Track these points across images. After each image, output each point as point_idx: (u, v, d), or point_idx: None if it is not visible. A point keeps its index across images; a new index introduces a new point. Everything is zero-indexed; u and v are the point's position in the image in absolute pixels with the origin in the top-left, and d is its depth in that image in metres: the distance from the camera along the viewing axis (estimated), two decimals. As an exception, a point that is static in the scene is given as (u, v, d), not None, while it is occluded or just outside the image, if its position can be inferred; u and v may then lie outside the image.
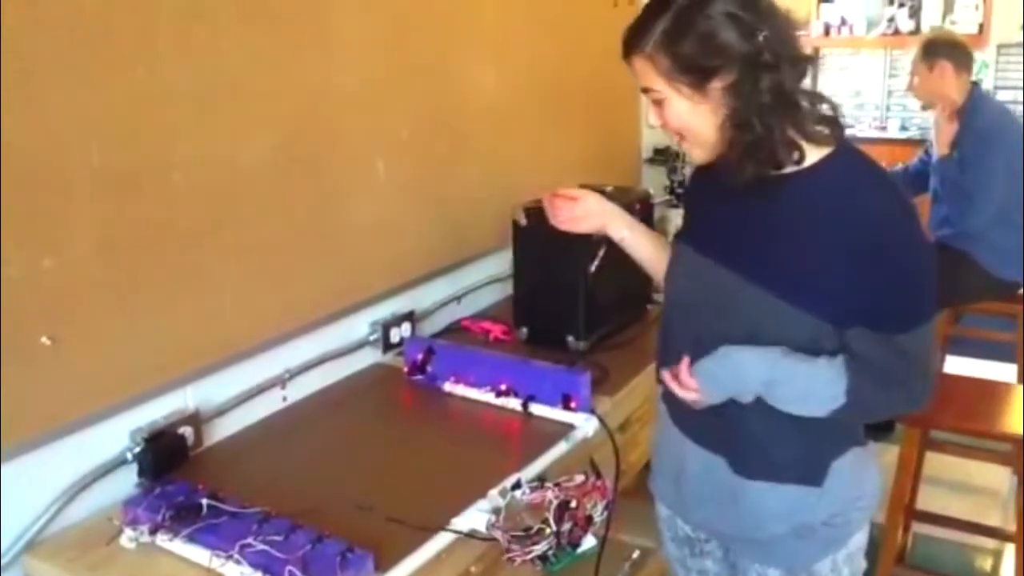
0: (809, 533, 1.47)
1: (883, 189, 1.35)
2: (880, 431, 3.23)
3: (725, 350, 1.39)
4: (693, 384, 1.41)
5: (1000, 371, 3.92)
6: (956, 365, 4.03)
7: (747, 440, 1.45)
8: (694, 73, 1.32)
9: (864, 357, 1.35)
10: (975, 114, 3.40)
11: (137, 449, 1.70)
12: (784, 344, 1.37)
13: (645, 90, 1.39)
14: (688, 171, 1.69)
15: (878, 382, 1.36)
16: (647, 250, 1.72)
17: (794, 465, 1.45)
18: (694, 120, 1.36)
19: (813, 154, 1.36)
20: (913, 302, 1.35)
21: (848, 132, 1.42)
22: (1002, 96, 5.59)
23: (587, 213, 1.73)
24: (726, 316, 1.42)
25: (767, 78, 1.29)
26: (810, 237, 1.34)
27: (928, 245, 1.37)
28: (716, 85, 1.31)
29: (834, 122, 1.37)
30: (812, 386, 1.37)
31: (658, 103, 1.38)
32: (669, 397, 1.57)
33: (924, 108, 3.80)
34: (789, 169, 1.35)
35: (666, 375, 1.46)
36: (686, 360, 1.42)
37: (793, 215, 1.36)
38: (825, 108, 1.37)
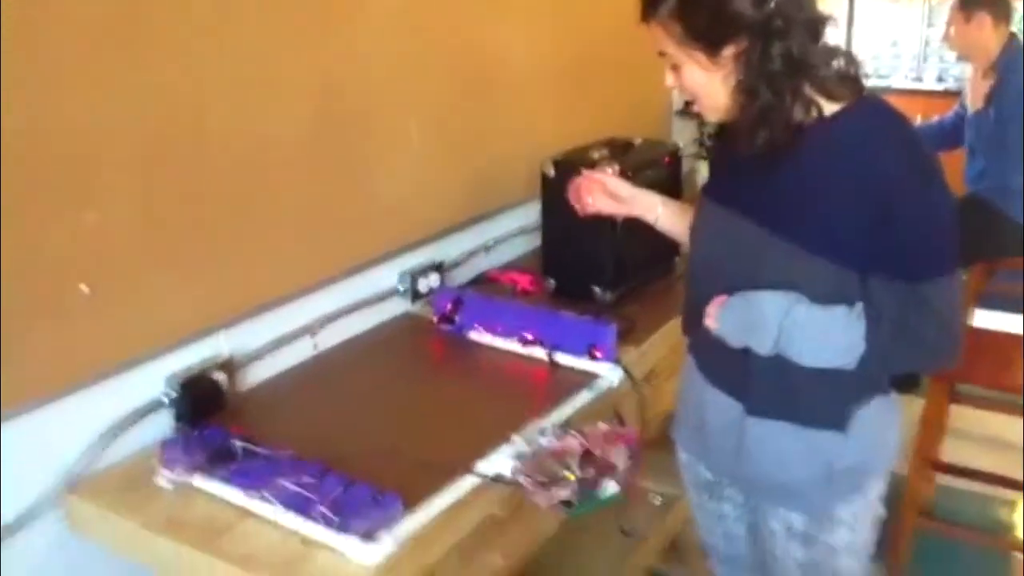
0: (832, 478, 1.50)
1: (893, 146, 1.35)
2: (906, 384, 3.23)
3: (745, 292, 1.42)
4: (713, 311, 1.45)
5: (1031, 326, 3.89)
6: (989, 320, 4.00)
7: (771, 385, 1.47)
8: (706, 41, 1.34)
9: (884, 307, 1.36)
10: (1012, 69, 3.33)
11: (173, 394, 1.75)
12: (809, 295, 1.38)
13: (661, 53, 1.41)
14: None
15: (898, 332, 1.37)
16: (682, 224, 1.72)
17: (818, 409, 1.47)
18: (707, 86, 1.38)
19: (831, 107, 1.37)
20: (929, 254, 1.36)
21: (883, 83, 1.46)
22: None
23: (617, 192, 1.76)
24: (750, 268, 1.43)
25: (778, 45, 1.31)
26: (827, 188, 1.36)
27: (944, 202, 1.37)
28: (727, 53, 1.33)
29: (852, 78, 1.38)
30: (829, 331, 1.38)
31: (674, 67, 1.41)
32: (696, 346, 1.61)
33: (959, 60, 3.74)
34: (808, 121, 1.38)
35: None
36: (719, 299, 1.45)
37: (811, 166, 1.38)
38: (842, 62, 1.38)
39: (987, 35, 3.36)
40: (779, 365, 1.43)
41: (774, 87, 1.33)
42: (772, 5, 1.29)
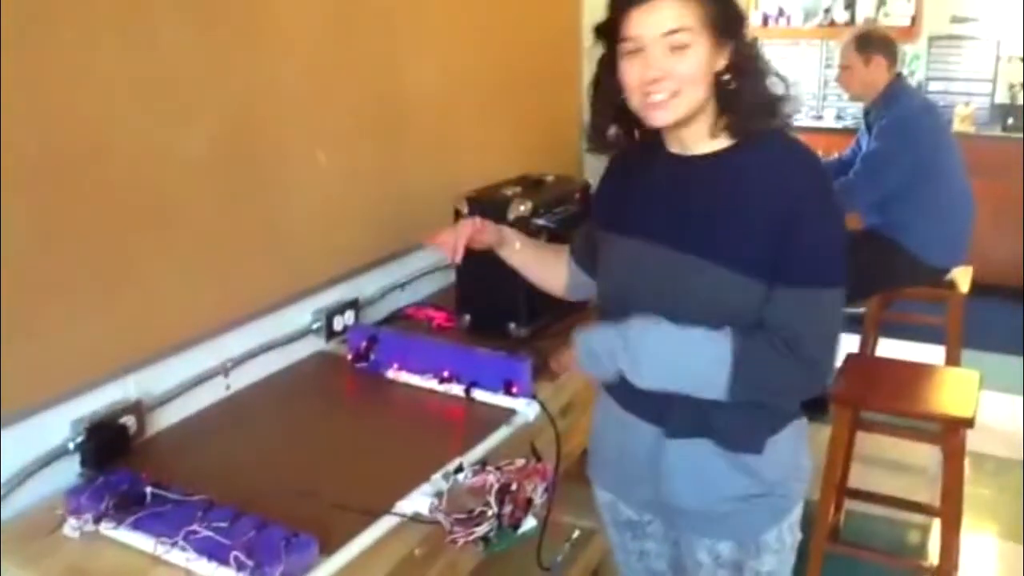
0: (755, 501, 1.53)
1: (803, 170, 1.46)
2: (814, 411, 3.32)
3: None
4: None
5: (930, 353, 4.05)
6: (888, 348, 4.15)
7: (689, 407, 1.48)
8: (721, 29, 1.40)
9: (771, 325, 1.41)
10: (891, 104, 3.50)
11: (79, 439, 1.70)
12: (734, 310, 1.42)
13: (670, 32, 1.38)
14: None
15: (773, 347, 1.40)
16: (535, 263, 1.83)
17: (734, 433, 1.50)
18: (702, 72, 1.41)
19: (726, 140, 1.48)
20: (829, 261, 1.43)
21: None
22: (933, 87, 5.75)
23: (475, 232, 1.76)
24: (669, 296, 1.47)
25: (755, 46, 1.46)
26: (741, 208, 1.43)
27: (841, 220, 1.48)
28: (728, 45, 1.41)
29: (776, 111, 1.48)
30: (690, 342, 1.43)
31: (679, 48, 1.38)
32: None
33: (852, 99, 3.90)
34: (714, 148, 1.47)
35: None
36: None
37: (728, 190, 1.45)
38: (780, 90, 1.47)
39: (881, 76, 3.53)
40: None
41: (758, 85, 1.44)
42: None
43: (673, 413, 1.51)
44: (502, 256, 1.83)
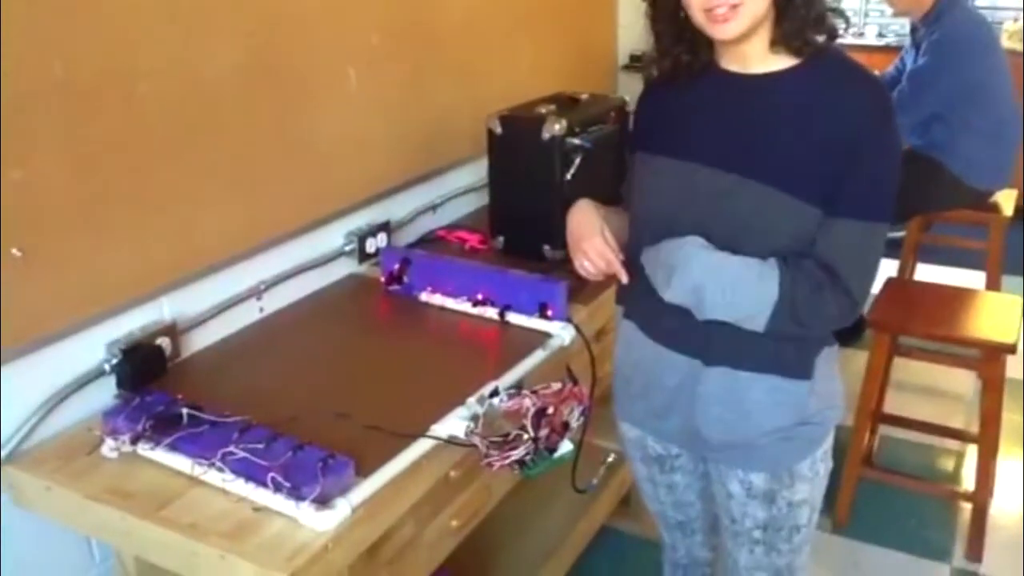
0: (793, 432, 1.50)
1: (864, 92, 1.40)
2: (849, 336, 3.29)
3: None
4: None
5: (970, 278, 3.98)
6: (926, 272, 4.08)
7: (733, 334, 1.43)
8: None
9: (807, 259, 1.38)
10: (939, 20, 3.36)
11: (114, 361, 1.70)
12: (779, 237, 1.39)
13: None
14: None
15: (813, 287, 1.37)
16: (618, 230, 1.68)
17: (784, 356, 1.47)
18: None
19: (791, 60, 1.40)
20: (881, 197, 1.39)
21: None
22: (981, 2, 5.54)
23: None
24: (719, 218, 1.42)
25: None
26: (797, 130, 1.38)
27: (899, 149, 1.42)
28: None
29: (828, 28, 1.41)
30: (745, 276, 1.38)
31: None
32: (642, 310, 1.58)
33: (897, 15, 3.75)
34: (774, 68, 1.40)
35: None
36: None
37: (780, 111, 1.40)
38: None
39: (925, -6, 3.38)
40: None
41: None
42: None
43: (716, 340, 1.46)
44: None
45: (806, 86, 1.40)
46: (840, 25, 1.42)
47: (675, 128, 1.51)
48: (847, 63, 1.43)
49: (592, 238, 1.55)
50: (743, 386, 1.48)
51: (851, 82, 1.41)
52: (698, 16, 1.37)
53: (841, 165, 1.35)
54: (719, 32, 1.37)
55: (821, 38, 1.39)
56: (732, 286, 1.39)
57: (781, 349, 1.45)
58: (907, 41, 3.67)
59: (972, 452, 2.94)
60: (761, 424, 1.50)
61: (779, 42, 1.39)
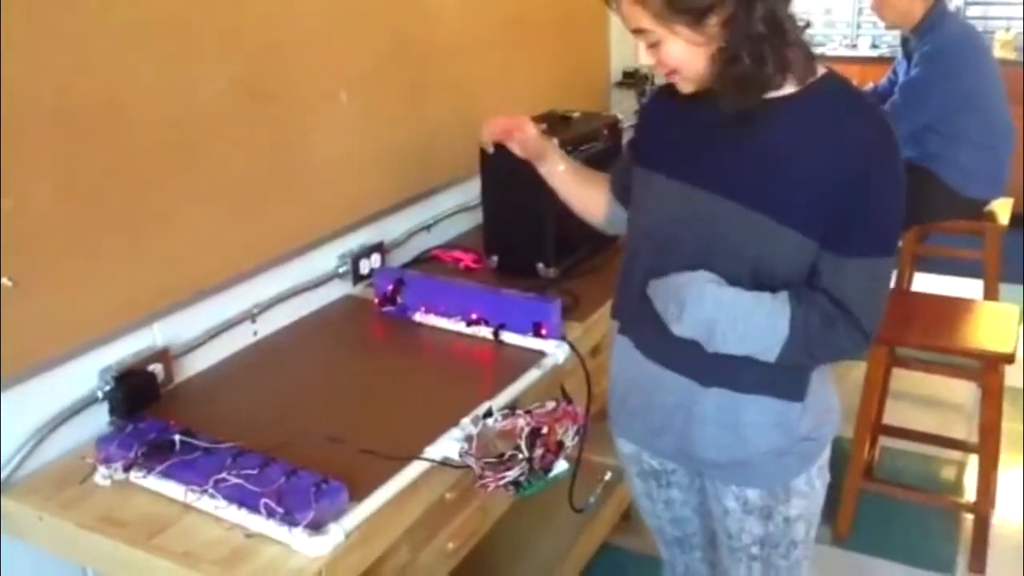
0: (788, 450, 1.50)
1: (870, 121, 1.37)
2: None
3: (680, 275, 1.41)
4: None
5: (968, 288, 3.97)
6: (923, 282, 4.08)
7: (726, 358, 1.42)
8: (691, 13, 1.29)
9: (818, 292, 1.37)
10: (931, 31, 3.37)
11: (107, 388, 1.70)
12: (776, 266, 1.37)
13: (636, 31, 1.35)
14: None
15: (824, 321, 1.36)
16: (577, 187, 1.78)
17: (778, 379, 1.46)
18: (690, 58, 1.34)
19: (793, 81, 1.37)
20: (886, 230, 1.37)
21: (818, 51, 1.42)
22: (972, 12, 5.57)
23: (530, 136, 1.76)
24: (713, 243, 1.41)
25: (760, 7, 1.29)
26: (798, 161, 1.36)
27: (903, 181, 1.37)
28: (712, 21, 1.30)
29: (809, 51, 1.38)
30: (757, 312, 1.37)
31: (651, 45, 1.35)
32: (638, 327, 1.57)
33: (888, 28, 3.76)
34: (774, 94, 1.37)
35: None
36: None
37: (780, 140, 1.37)
38: (806, 36, 1.37)
39: (916, 4, 3.38)
40: None
41: (757, 52, 1.30)
42: None
43: (712, 362, 1.44)
44: (542, 173, 1.79)
45: (805, 116, 1.36)
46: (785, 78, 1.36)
47: (676, 147, 1.50)
48: (849, 94, 1.40)
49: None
50: (739, 407, 1.47)
51: (854, 116, 1.37)
52: None
53: (844, 200, 1.33)
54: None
55: (789, 78, 1.36)
56: (744, 322, 1.37)
57: (775, 371, 1.44)
58: (899, 53, 3.68)
59: (973, 462, 2.92)
60: (757, 445, 1.49)
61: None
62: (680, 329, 1.41)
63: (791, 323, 1.36)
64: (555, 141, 1.82)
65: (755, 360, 1.41)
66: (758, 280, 1.38)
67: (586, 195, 1.77)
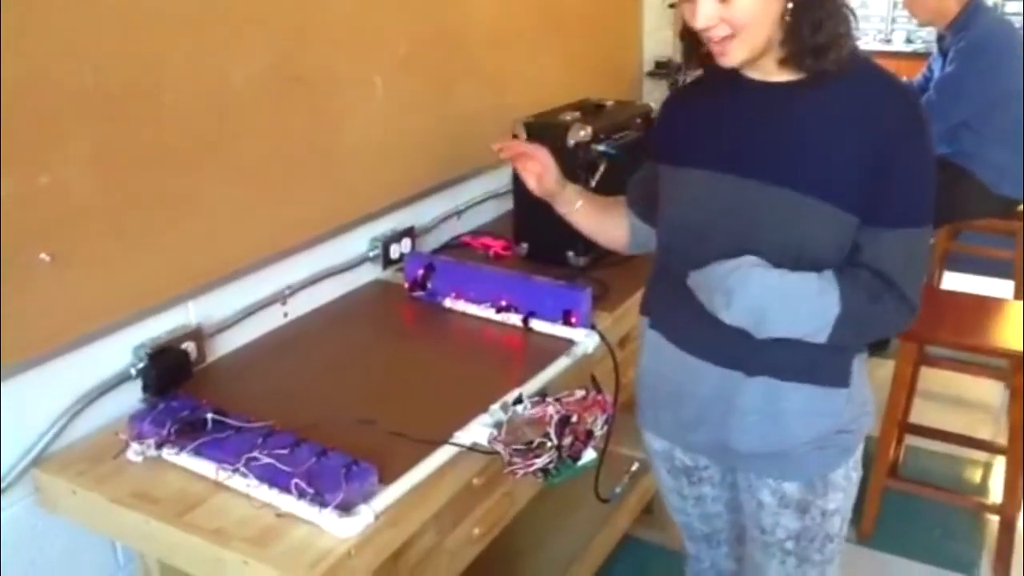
0: (828, 441, 1.49)
1: (899, 102, 1.38)
2: (876, 346, 3.26)
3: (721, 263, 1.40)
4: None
5: (998, 287, 3.94)
6: (954, 281, 4.05)
7: (773, 343, 1.41)
8: None
9: (862, 268, 1.37)
10: (967, 27, 3.32)
11: (141, 365, 1.71)
12: (816, 245, 1.37)
13: None
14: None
15: (871, 297, 1.37)
16: (596, 219, 1.75)
17: (825, 365, 1.46)
18: (760, 15, 1.31)
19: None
20: (920, 200, 1.38)
21: None
22: (1011, 7, 5.48)
23: (546, 167, 1.73)
24: (750, 229, 1.40)
25: None
26: (829, 137, 1.36)
27: (933, 155, 1.39)
28: None
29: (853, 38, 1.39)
30: (805, 294, 1.36)
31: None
32: (672, 321, 1.57)
33: (921, 25, 3.71)
34: (796, 76, 1.38)
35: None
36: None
37: (812, 121, 1.38)
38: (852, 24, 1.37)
39: (950, 0, 3.34)
40: None
41: (820, 23, 1.31)
42: None
43: (758, 351, 1.44)
44: (561, 213, 1.76)
45: (835, 96, 1.37)
46: (849, 53, 1.37)
47: (703, 139, 1.49)
48: (879, 73, 1.40)
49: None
50: (783, 396, 1.46)
51: (885, 93, 1.38)
52: (705, 42, 1.38)
53: (878, 175, 1.34)
54: (720, 61, 1.38)
55: (832, 61, 1.35)
56: (794, 304, 1.37)
57: (819, 358, 1.44)
58: (934, 48, 3.63)
59: (1000, 463, 2.90)
60: (799, 434, 1.48)
61: (787, 62, 1.38)
62: (730, 317, 1.39)
63: (841, 301, 1.35)
64: (571, 184, 1.78)
65: (799, 346, 1.41)
66: (799, 261, 1.38)
67: (609, 223, 1.75)
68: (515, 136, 2.26)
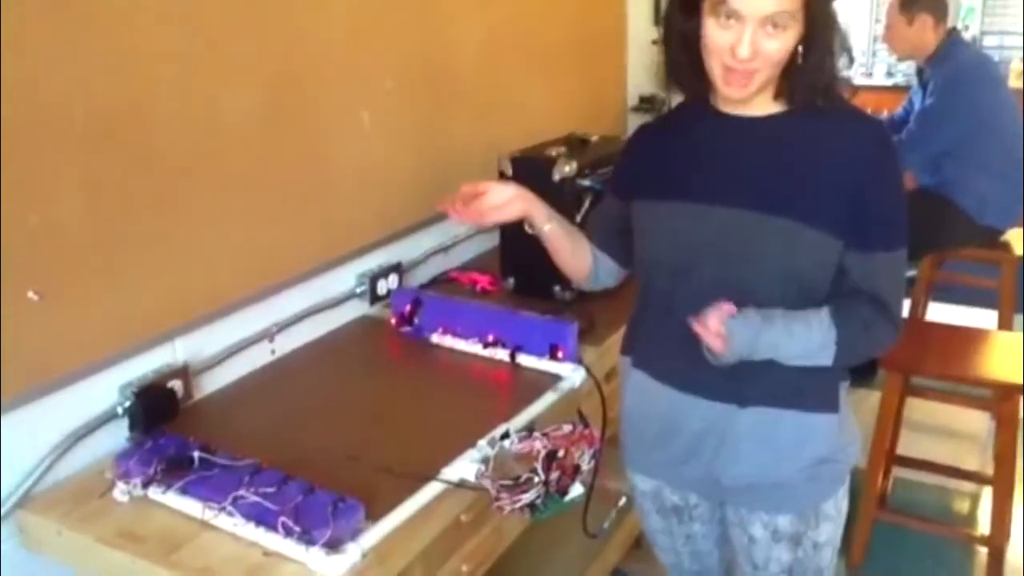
0: (819, 471, 1.50)
1: (873, 136, 1.44)
2: (862, 376, 3.27)
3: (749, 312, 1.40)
4: (720, 329, 1.38)
5: (982, 317, 3.96)
6: (939, 311, 4.07)
7: (764, 373, 1.44)
8: (821, 5, 1.35)
9: (854, 293, 1.42)
10: (945, 60, 3.39)
11: (127, 403, 1.71)
12: (802, 271, 1.42)
13: (772, 14, 1.31)
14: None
15: (864, 322, 1.43)
16: (567, 242, 1.67)
17: (815, 392, 1.49)
18: (788, 51, 1.36)
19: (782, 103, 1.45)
20: (901, 224, 1.44)
21: None
22: (988, 42, 5.57)
23: (503, 200, 1.62)
24: (741, 257, 1.43)
25: (833, 19, 1.39)
26: (816, 169, 1.41)
27: (903, 178, 1.48)
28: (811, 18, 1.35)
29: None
30: (809, 341, 1.41)
31: (773, 30, 1.33)
32: (658, 357, 1.57)
33: (900, 60, 3.77)
34: (773, 111, 1.44)
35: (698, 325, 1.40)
36: (725, 307, 1.39)
37: (799, 151, 1.43)
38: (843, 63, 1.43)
39: (928, 36, 3.41)
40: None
41: (824, 63, 1.39)
42: None
43: (749, 382, 1.46)
44: (534, 232, 1.69)
45: (817, 128, 1.42)
46: (844, 92, 1.45)
47: (678, 172, 1.51)
48: (852, 108, 1.47)
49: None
50: (776, 423, 1.48)
51: (861, 126, 1.45)
52: (714, 64, 1.38)
53: (860, 201, 1.39)
54: (732, 92, 1.40)
55: (827, 99, 1.42)
56: (778, 343, 1.42)
57: (808, 384, 1.47)
58: (914, 82, 3.69)
59: (988, 494, 2.90)
60: (792, 461, 1.50)
61: (782, 96, 1.43)
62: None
63: (836, 347, 1.41)
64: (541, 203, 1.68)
65: (788, 374, 1.44)
66: (788, 283, 1.42)
67: (572, 253, 1.70)
68: (501, 173, 2.27)
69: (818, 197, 1.40)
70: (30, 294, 1.54)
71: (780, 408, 1.47)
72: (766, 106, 1.44)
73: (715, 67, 1.38)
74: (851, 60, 1.45)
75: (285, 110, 2.02)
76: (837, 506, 1.55)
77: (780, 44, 1.34)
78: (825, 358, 1.42)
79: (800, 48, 1.37)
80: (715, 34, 1.35)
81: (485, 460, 1.55)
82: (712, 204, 1.45)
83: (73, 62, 1.57)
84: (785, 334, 1.40)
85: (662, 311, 1.50)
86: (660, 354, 1.55)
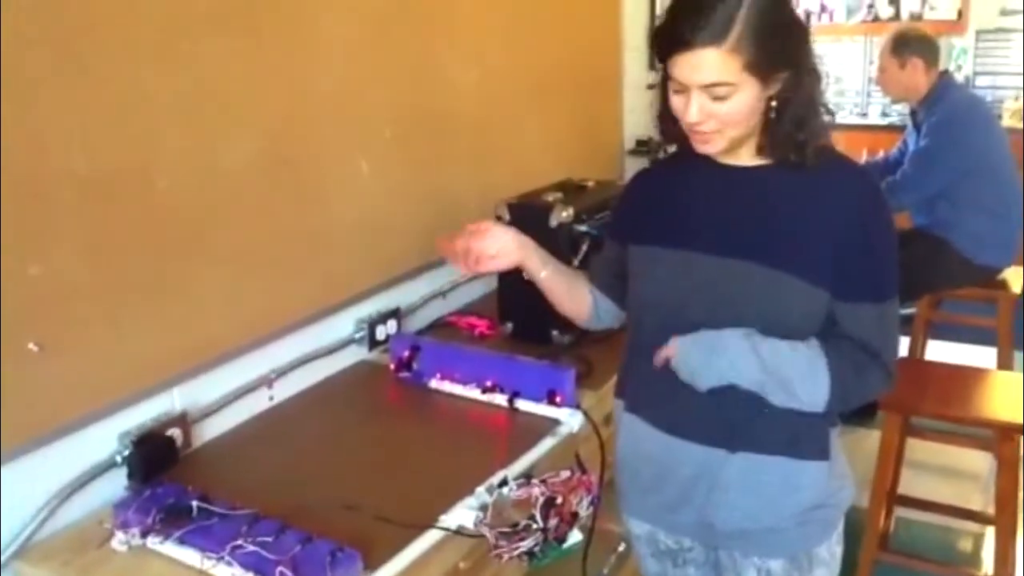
0: (811, 515, 1.50)
1: (862, 188, 1.46)
2: (862, 417, 3.27)
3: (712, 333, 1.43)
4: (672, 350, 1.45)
5: (981, 355, 3.96)
6: (937, 350, 4.07)
7: (754, 419, 1.45)
8: (774, 66, 1.35)
9: (844, 339, 1.43)
10: (938, 103, 3.44)
11: (126, 452, 1.72)
12: (788, 320, 1.42)
13: (710, 85, 1.34)
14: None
15: (856, 367, 1.43)
16: (563, 287, 1.70)
17: (805, 439, 1.48)
18: (748, 113, 1.37)
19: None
20: (891, 275, 1.45)
21: (826, 119, 1.48)
22: (980, 82, 5.62)
23: (501, 250, 1.65)
24: (727, 306, 1.44)
25: (806, 80, 1.40)
26: (805, 221, 1.43)
27: (894, 226, 1.48)
28: (782, 72, 1.37)
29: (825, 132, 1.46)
30: (801, 389, 1.42)
31: (720, 96, 1.35)
32: (650, 402, 1.57)
33: (893, 102, 3.82)
34: (763, 162, 1.46)
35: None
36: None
37: (787, 203, 1.44)
38: (827, 119, 1.45)
39: (920, 78, 3.46)
40: (756, 400, 1.44)
41: (800, 117, 1.40)
42: (811, 42, 1.41)
43: (739, 427, 1.47)
44: (529, 273, 1.71)
45: (807, 180, 1.44)
46: (823, 145, 1.45)
47: (671, 218, 1.53)
48: (843, 160, 1.49)
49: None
50: (765, 470, 1.48)
51: (851, 179, 1.47)
52: (684, 126, 1.42)
53: (850, 253, 1.40)
54: (700, 148, 1.44)
55: (810, 155, 1.43)
56: (788, 389, 1.43)
57: (799, 432, 1.47)
58: (908, 123, 3.73)
59: (991, 534, 2.89)
60: (781, 508, 1.50)
61: (764, 150, 1.45)
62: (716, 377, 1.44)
63: (830, 387, 1.42)
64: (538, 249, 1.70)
65: (779, 421, 1.45)
66: (772, 335, 1.42)
67: (571, 295, 1.72)
68: (498, 218, 2.29)
69: (803, 248, 1.41)
70: (30, 345, 1.55)
71: (769, 455, 1.47)
72: (751, 157, 1.46)
73: (685, 128, 1.43)
74: (831, 115, 1.46)
75: (284, 160, 2.04)
76: (831, 550, 1.55)
77: (731, 107, 1.35)
78: (819, 386, 1.41)
79: (773, 104, 1.38)
80: (672, 98, 1.41)
81: (483, 507, 1.55)
82: (701, 252, 1.47)
83: (74, 113, 1.59)
84: (771, 350, 1.40)
85: (652, 355, 1.51)
86: (650, 398, 1.56)
